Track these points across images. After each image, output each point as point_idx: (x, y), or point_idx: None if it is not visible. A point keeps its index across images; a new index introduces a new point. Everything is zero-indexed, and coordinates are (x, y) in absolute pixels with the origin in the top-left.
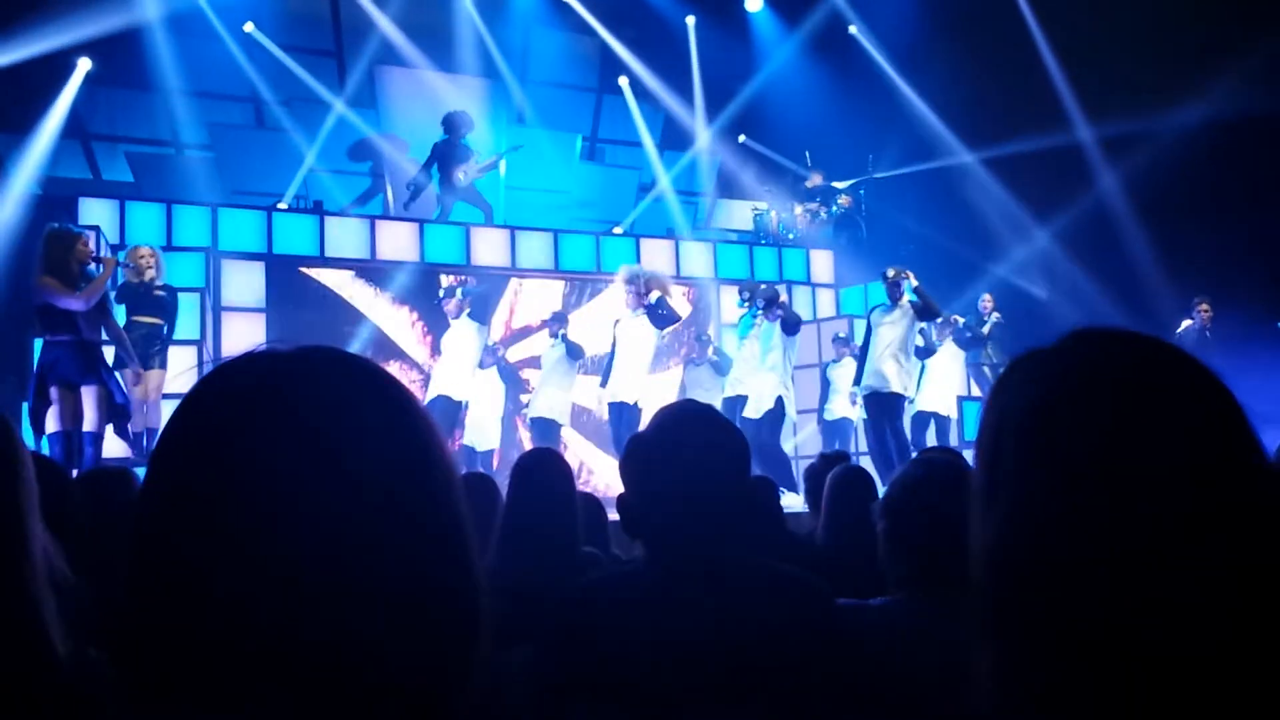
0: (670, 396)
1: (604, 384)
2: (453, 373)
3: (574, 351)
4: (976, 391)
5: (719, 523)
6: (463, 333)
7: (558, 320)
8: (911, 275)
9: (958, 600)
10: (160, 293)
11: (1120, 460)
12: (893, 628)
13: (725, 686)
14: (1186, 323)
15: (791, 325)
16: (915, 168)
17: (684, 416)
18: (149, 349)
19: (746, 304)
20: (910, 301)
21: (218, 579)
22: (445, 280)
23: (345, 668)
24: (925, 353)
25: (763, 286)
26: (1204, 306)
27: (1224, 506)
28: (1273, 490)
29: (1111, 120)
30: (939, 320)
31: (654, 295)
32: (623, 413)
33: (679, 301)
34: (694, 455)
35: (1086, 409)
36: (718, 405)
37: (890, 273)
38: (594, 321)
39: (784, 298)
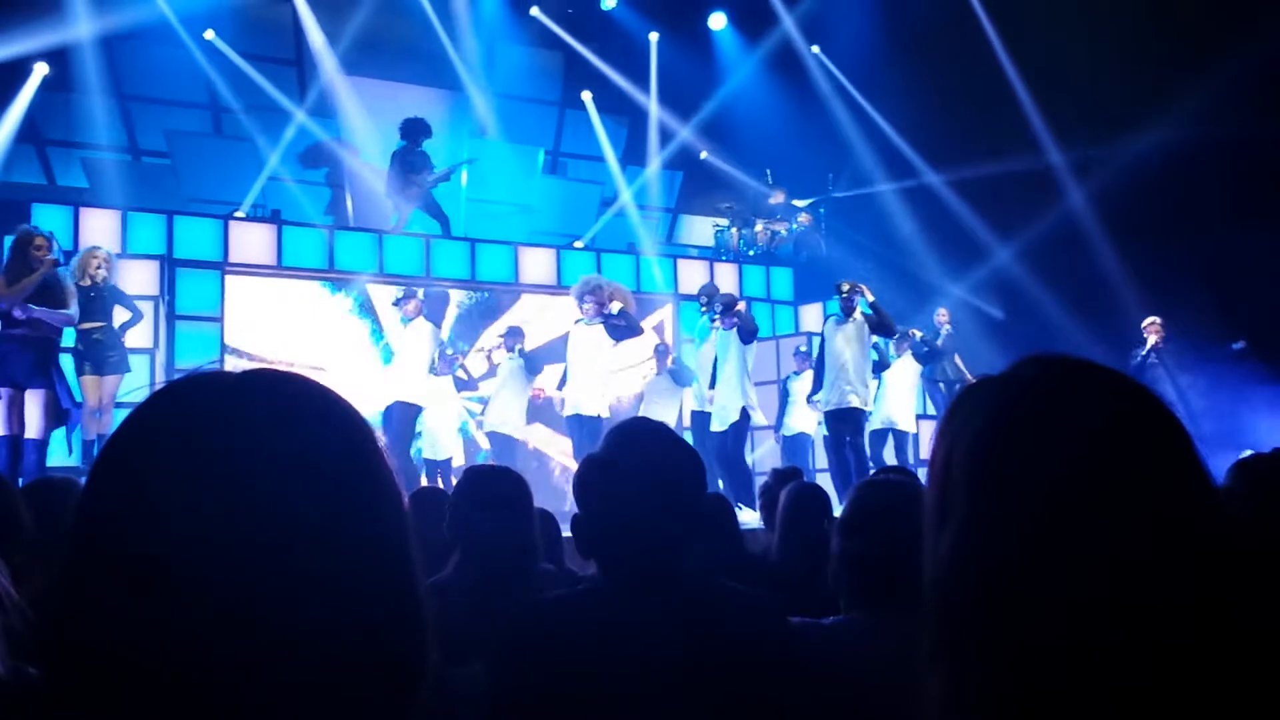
0: (632, 408)
1: (560, 386)
2: (408, 376)
3: (532, 366)
4: (931, 410)
5: (673, 543)
6: (419, 335)
7: (513, 335)
8: (866, 289)
9: (908, 620)
10: (94, 295)
11: (1066, 488)
12: (844, 646)
13: (679, 706)
14: (1145, 347)
15: (747, 333)
16: (875, 188)
17: (637, 435)
18: (104, 353)
19: (704, 308)
20: (864, 315)
21: (153, 593)
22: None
23: (281, 683)
24: (881, 367)
25: (722, 291)
26: (1153, 323)
27: (1170, 534)
28: (1217, 518)
29: (1072, 140)
30: (895, 335)
31: (615, 306)
32: (583, 425)
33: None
34: (647, 475)
35: (1033, 437)
36: (673, 416)
37: (844, 286)
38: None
39: (742, 305)
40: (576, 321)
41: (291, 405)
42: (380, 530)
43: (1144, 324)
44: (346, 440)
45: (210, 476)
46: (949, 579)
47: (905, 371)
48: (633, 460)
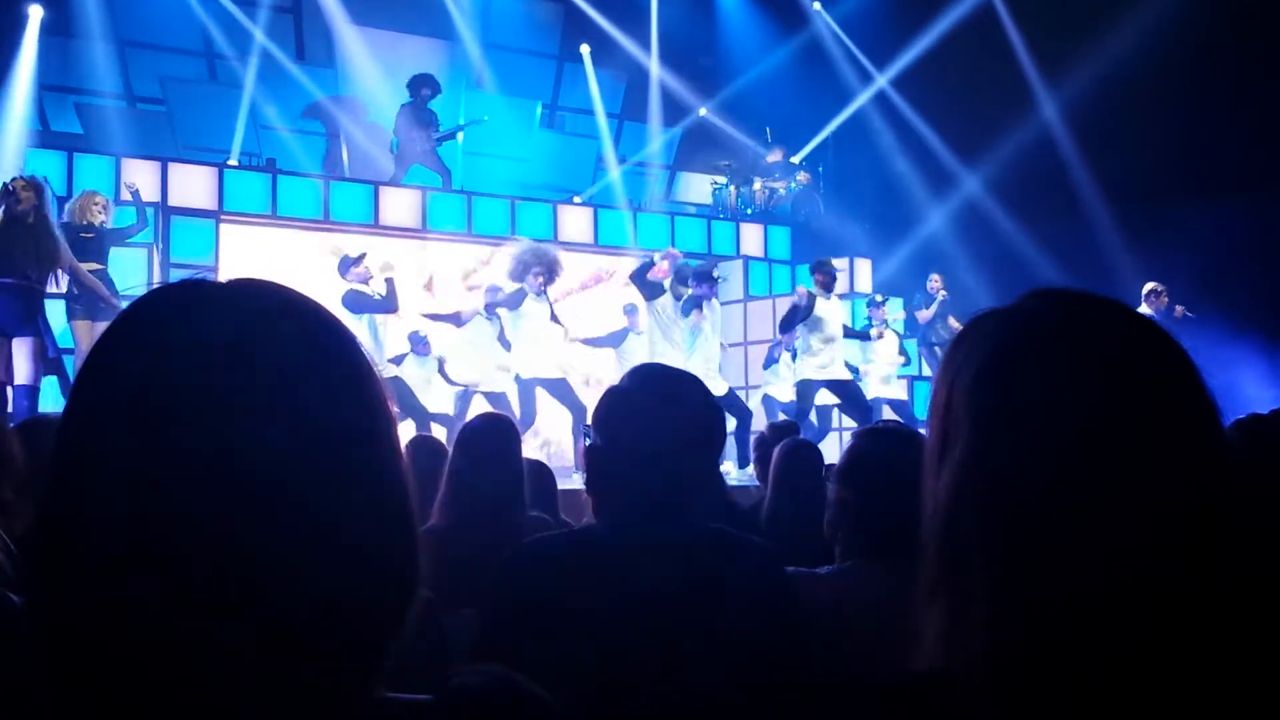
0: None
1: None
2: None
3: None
4: (928, 372)
5: (683, 486)
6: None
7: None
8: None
9: (906, 568)
10: (91, 235)
11: (1070, 420)
12: (841, 594)
13: (674, 649)
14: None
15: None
16: (876, 147)
17: (663, 374)
18: (97, 298)
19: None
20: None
21: (138, 508)
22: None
23: (270, 602)
24: (862, 336)
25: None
26: (1155, 289)
27: (1175, 471)
28: (1223, 453)
29: (1075, 96)
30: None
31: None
32: (535, 386)
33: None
34: (671, 415)
35: (1036, 363)
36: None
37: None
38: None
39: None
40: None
41: (279, 312)
42: (372, 439)
43: (1145, 290)
44: (336, 347)
45: (197, 382)
46: (948, 513)
47: (887, 344)
48: (656, 397)
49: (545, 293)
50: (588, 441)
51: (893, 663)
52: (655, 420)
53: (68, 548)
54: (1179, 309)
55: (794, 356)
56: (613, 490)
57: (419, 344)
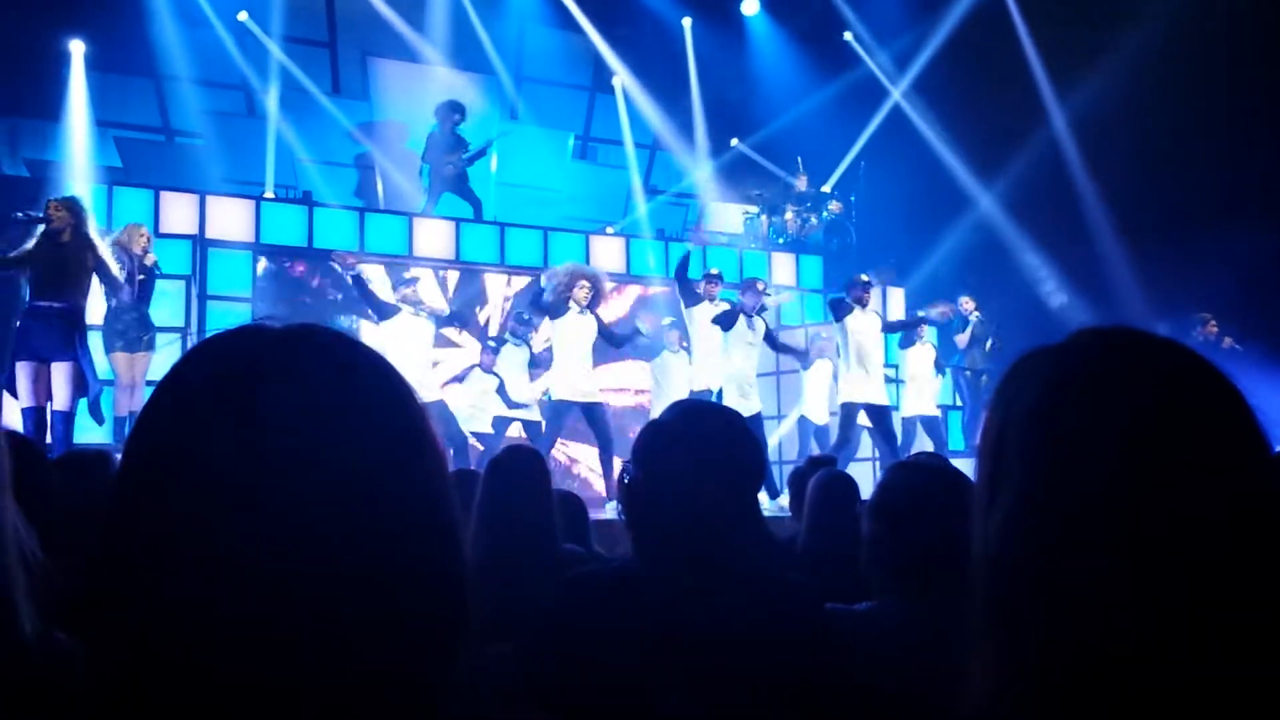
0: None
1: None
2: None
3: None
4: (959, 401)
5: (723, 523)
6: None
7: (520, 321)
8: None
9: (944, 605)
10: (145, 277)
11: (1125, 461)
12: (879, 632)
13: (714, 688)
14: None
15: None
16: (906, 177)
17: (707, 413)
18: (137, 333)
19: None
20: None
21: (196, 557)
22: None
23: (327, 650)
24: (907, 341)
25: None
26: (1212, 325)
27: (1234, 510)
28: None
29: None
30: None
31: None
32: (567, 410)
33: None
34: (713, 452)
35: (1089, 404)
36: (682, 394)
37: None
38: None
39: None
40: (567, 307)
41: (335, 359)
42: (424, 489)
43: (1195, 318)
44: (391, 399)
45: (251, 433)
46: (1000, 554)
47: (922, 357)
48: (696, 432)
49: (590, 309)
50: (627, 479)
51: (932, 701)
52: (696, 456)
53: (129, 599)
54: (1227, 340)
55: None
56: (652, 526)
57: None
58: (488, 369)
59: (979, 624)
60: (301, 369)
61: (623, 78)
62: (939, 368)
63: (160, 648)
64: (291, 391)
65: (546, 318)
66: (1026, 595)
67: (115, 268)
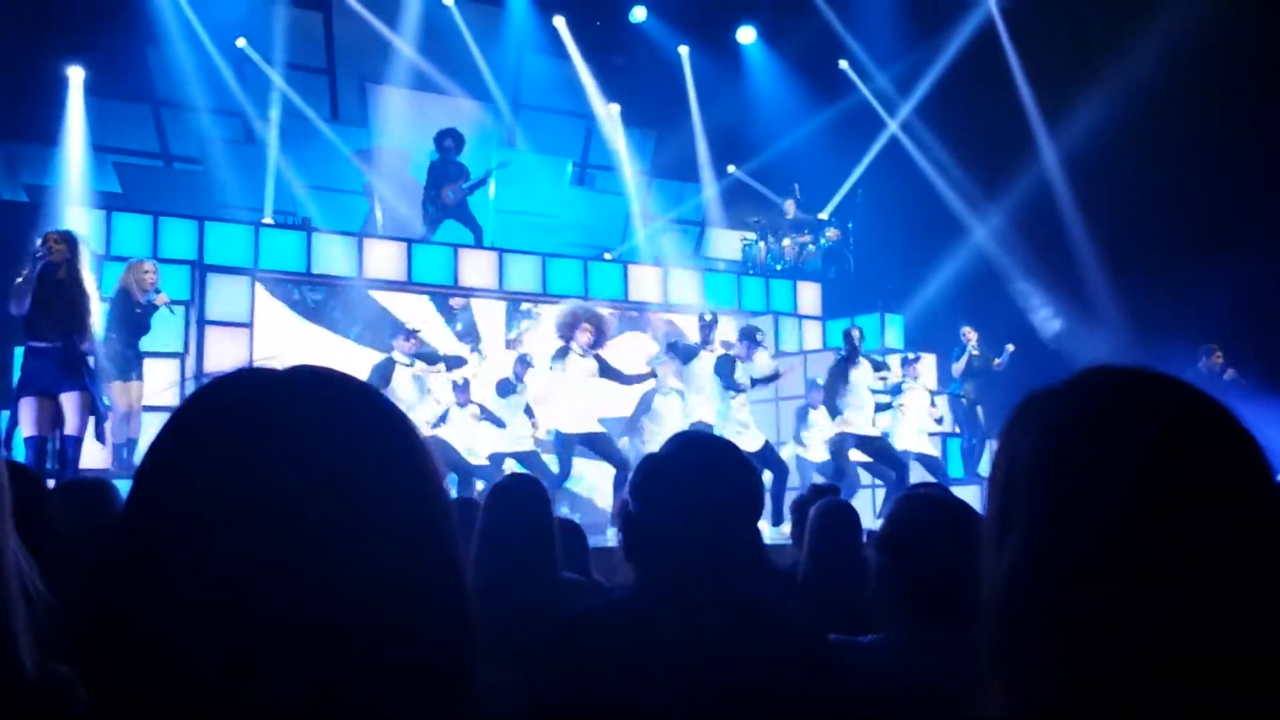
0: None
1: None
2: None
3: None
4: (956, 429)
5: (722, 555)
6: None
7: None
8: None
9: (950, 639)
10: (145, 314)
11: (1134, 499)
12: (884, 666)
13: None
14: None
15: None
16: (902, 203)
17: (705, 445)
18: (129, 363)
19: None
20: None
21: (199, 596)
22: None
23: (326, 684)
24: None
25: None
26: (1218, 355)
27: (1242, 547)
28: None
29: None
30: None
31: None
32: (570, 440)
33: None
34: (712, 485)
35: (1102, 446)
36: (677, 428)
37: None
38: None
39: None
40: (569, 349)
41: (337, 402)
42: (428, 529)
43: (1200, 349)
44: (394, 439)
45: (256, 476)
46: (1012, 592)
47: (917, 396)
48: (694, 465)
49: (592, 352)
50: (625, 512)
51: None
52: (694, 489)
53: (129, 635)
54: (1230, 371)
55: (833, 416)
56: (651, 559)
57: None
58: (464, 404)
59: (989, 658)
60: (302, 410)
61: (616, 107)
62: (934, 404)
63: (161, 682)
64: (293, 432)
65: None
66: (1038, 630)
67: (94, 315)
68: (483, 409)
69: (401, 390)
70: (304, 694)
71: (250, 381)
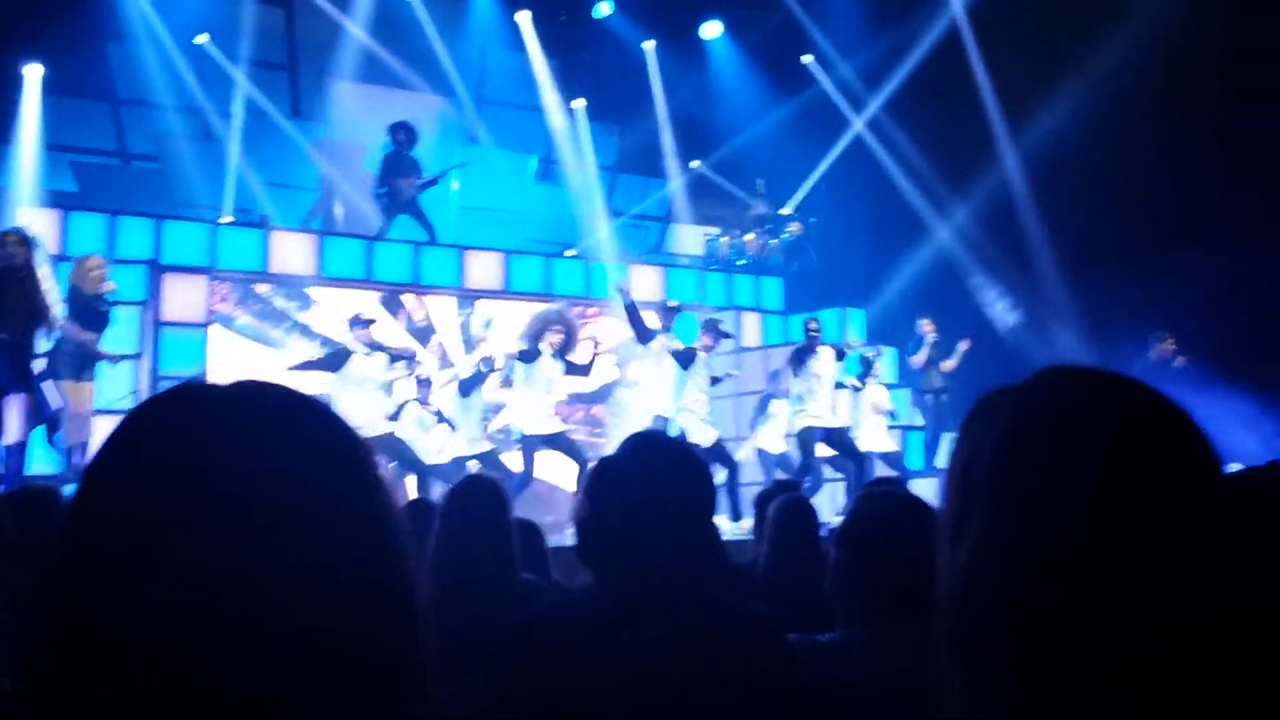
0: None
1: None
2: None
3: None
4: (920, 421)
5: (677, 556)
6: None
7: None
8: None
9: (909, 637)
10: (103, 308)
11: (1089, 499)
12: (843, 664)
13: None
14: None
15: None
16: (865, 198)
17: (657, 447)
18: (85, 362)
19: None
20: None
21: (142, 610)
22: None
23: (272, 696)
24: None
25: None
26: (1168, 343)
27: (1197, 542)
28: (1239, 528)
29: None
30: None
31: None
32: (536, 442)
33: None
34: (664, 486)
35: (1057, 446)
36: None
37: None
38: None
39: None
40: (539, 351)
41: (281, 417)
42: (376, 541)
43: (1152, 337)
44: (337, 451)
45: (200, 491)
46: (967, 592)
47: (876, 394)
48: (651, 469)
49: (561, 355)
50: (579, 516)
51: None
52: (644, 490)
53: (70, 650)
54: (1180, 359)
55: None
56: (606, 562)
57: (422, 387)
58: (425, 401)
59: (946, 655)
60: (246, 425)
61: (581, 102)
62: (890, 401)
63: (106, 691)
64: (237, 447)
65: (517, 360)
66: (994, 627)
67: (56, 309)
68: (439, 413)
69: (354, 380)
70: (253, 698)
71: (192, 397)
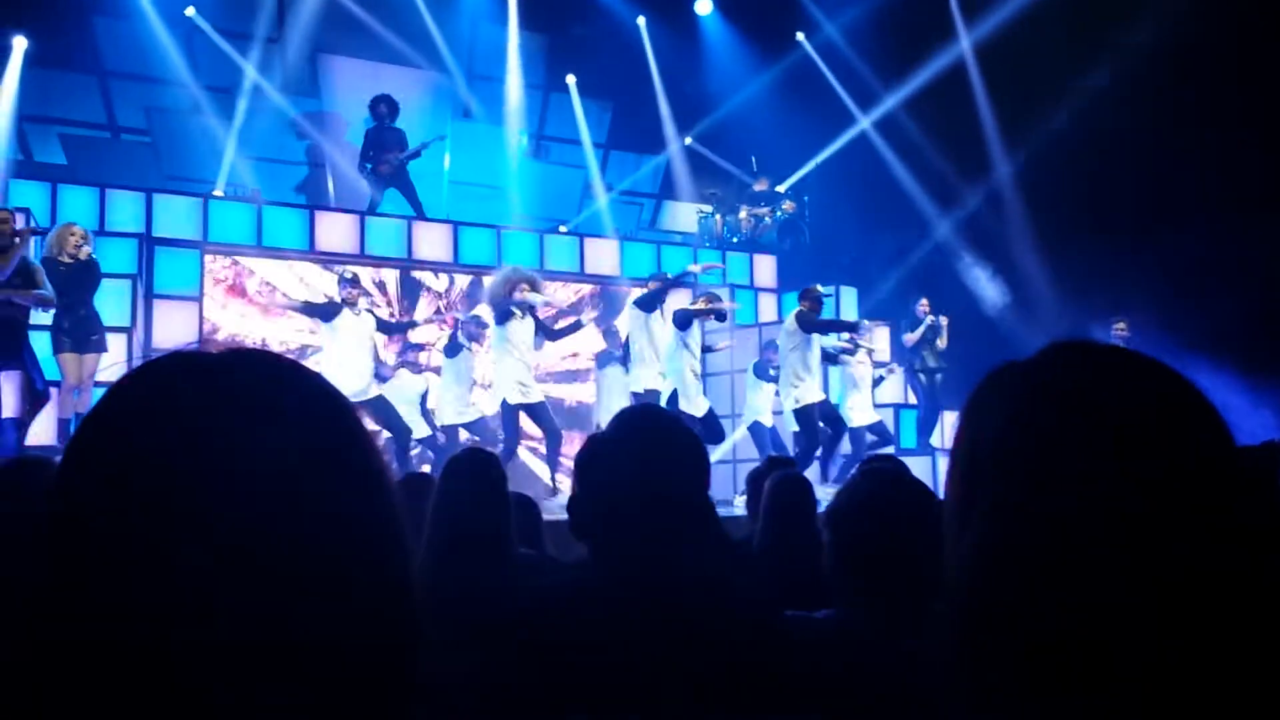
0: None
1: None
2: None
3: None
4: (914, 399)
5: (671, 531)
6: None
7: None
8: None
9: (903, 614)
10: (81, 271)
11: (1100, 477)
12: (839, 641)
13: (673, 698)
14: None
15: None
16: (857, 175)
17: (649, 421)
18: (86, 332)
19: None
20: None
21: (130, 580)
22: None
23: (263, 670)
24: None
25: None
26: (1121, 326)
27: (1211, 524)
28: (1258, 504)
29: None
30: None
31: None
32: (517, 411)
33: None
34: (656, 461)
35: (1066, 425)
36: (624, 400)
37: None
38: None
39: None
40: (510, 313)
41: (274, 386)
42: (369, 516)
43: (1114, 324)
44: (331, 422)
45: (190, 462)
46: (976, 574)
47: (864, 368)
48: (643, 444)
49: (533, 313)
50: (572, 494)
51: (893, 708)
52: (636, 467)
53: (63, 624)
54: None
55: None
56: (601, 539)
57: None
58: (417, 370)
59: (952, 639)
60: (236, 393)
61: (573, 78)
62: (878, 380)
63: (94, 672)
64: (225, 418)
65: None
66: (1002, 615)
67: (40, 278)
68: (426, 393)
69: (342, 336)
70: (248, 672)
71: (183, 365)
